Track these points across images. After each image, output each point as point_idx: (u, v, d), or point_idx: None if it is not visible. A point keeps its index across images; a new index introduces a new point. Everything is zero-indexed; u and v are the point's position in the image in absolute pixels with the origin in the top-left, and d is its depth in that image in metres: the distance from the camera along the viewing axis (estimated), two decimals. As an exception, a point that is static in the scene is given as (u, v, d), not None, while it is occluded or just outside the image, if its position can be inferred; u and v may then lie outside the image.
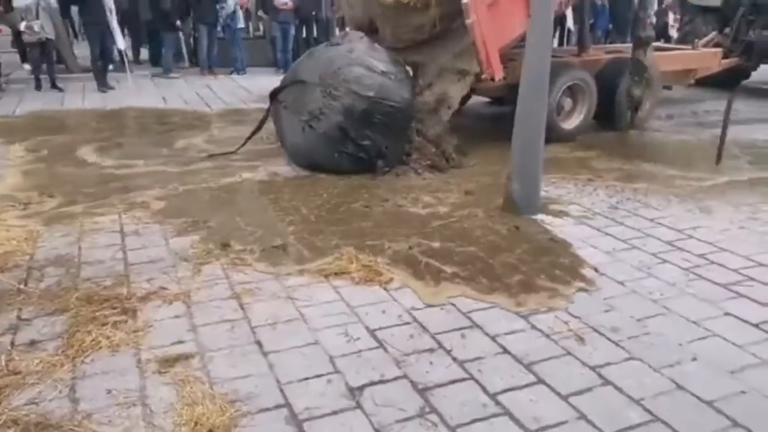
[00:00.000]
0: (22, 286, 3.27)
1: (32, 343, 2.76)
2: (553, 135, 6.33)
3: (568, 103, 6.85)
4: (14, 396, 2.40)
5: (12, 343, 2.75)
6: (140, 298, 3.18)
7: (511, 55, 6.21)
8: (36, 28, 8.91)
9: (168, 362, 2.62)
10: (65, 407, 2.34)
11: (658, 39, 10.33)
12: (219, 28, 11.37)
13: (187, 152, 6.19)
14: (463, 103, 6.59)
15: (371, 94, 5.27)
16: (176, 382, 2.49)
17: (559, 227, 4.29)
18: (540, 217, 4.47)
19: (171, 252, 3.78)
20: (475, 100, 7.90)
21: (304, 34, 12.85)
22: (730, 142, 6.13)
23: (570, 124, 6.88)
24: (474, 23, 5.46)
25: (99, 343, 2.74)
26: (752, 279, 3.54)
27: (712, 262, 3.75)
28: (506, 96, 6.49)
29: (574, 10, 10.60)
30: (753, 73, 10.33)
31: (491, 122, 7.76)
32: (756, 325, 3.03)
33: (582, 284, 3.44)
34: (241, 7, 11.75)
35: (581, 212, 4.60)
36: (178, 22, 11.32)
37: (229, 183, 5.21)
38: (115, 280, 3.38)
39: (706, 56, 8.91)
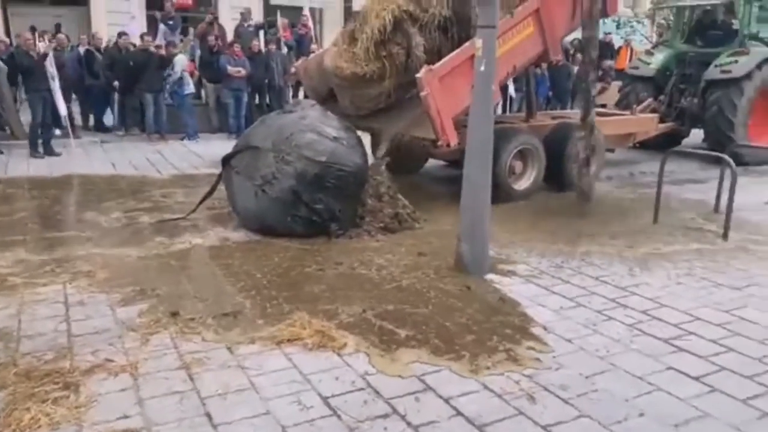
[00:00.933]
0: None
1: (-34, 424, 2.63)
2: (506, 196, 6.81)
3: (518, 165, 7.17)
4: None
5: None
6: (84, 371, 3.07)
7: (463, 122, 6.49)
8: None
9: (112, 439, 2.53)
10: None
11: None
12: (166, 95, 11.49)
13: (135, 218, 6.11)
14: (420, 166, 6.87)
15: (323, 159, 5.38)
16: (121, 460, 2.40)
17: (509, 286, 4.41)
18: (490, 276, 4.58)
19: (117, 322, 3.69)
20: (431, 162, 8.21)
21: (257, 101, 13.15)
22: (665, 201, 6.47)
23: (521, 185, 7.19)
24: (428, 95, 5.84)
25: (38, 421, 2.63)
26: (691, 333, 3.69)
27: (654, 318, 3.90)
28: (460, 159, 6.77)
29: (514, 80, 11.23)
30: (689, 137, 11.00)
31: (446, 184, 7.92)
32: (696, 378, 3.15)
33: (532, 343, 3.51)
34: (191, 74, 11.88)
35: (529, 271, 4.75)
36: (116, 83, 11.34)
37: (179, 249, 5.16)
38: (57, 353, 3.27)
39: (645, 121, 9.60)
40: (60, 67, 10.02)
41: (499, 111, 10.07)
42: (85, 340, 3.44)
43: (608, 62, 15.93)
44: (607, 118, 9.21)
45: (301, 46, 14.33)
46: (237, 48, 12.08)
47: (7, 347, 3.34)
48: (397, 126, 6.58)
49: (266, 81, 12.66)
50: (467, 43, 5.92)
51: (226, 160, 5.86)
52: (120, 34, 11.86)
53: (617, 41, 18.13)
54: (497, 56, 6.34)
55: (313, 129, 5.53)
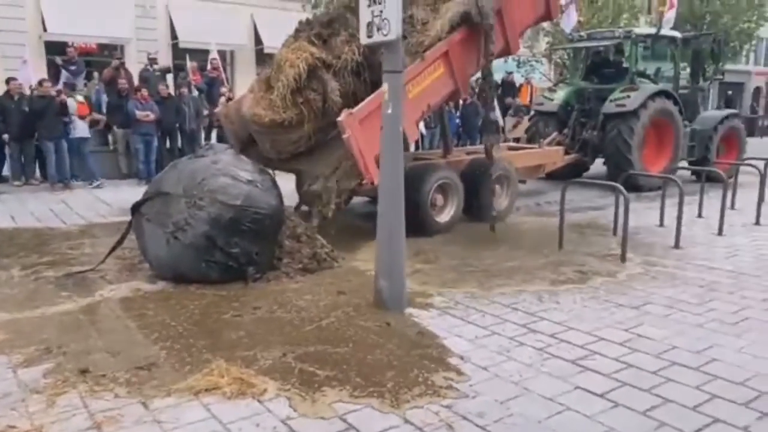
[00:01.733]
0: None
1: None
2: (429, 228, 7.25)
3: (439, 199, 7.58)
4: None
5: None
6: (-17, 441, 2.89)
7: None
8: None
9: None
10: None
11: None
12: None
13: (39, 273, 5.79)
14: (345, 203, 7.05)
15: (238, 202, 5.34)
16: None
17: (427, 319, 4.52)
18: (409, 310, 4.68)
19: (20, 384, 3.47)
20: (355, 199, 8.32)
21: (168, 145, 12.89)
22: (568, 228, 6.90)
23: (443, 218, 7.58)
24: (350, 137, 6.13)
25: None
26: (595, 352, 3.93)
27: (562, 341, 4.12)
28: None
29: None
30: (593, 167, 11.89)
31: (369, 220, 8.05)
32: (601, 396, 3.35)
33: (450, 373, 3.61)
34: (82, 117, 11.41)
35: (445, 303, 4.89)
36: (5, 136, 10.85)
37: (88, 303, 4.93)
38: (-48, 425, 3.05)
39: (551, 153, 10.45)
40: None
41: (412, 148, 10.49)
42: (-16, 407, 3.26)
43: (510, 99, 16.92)
44: (518, 151, 10.02)
45: (212, 89, 14.28)
46: (144, 92, 11.91)
47: None
48: (319, 166, 6.73)
49: (177, 125, 12.51)
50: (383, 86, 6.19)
51: (135, 208, 5.69)
52: (8, 80, 11.38)
53: (518, 79, 19.29)
54: (412, 97, 6.90)
55: (227, 173, 5.49)
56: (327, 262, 5.90)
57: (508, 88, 18.28)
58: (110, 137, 13.26)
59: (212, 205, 5.26)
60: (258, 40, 19.34)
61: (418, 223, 7.11)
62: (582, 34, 13.34)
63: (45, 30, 15.74)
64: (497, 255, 6.39)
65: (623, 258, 6.07)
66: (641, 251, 6.47)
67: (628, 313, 4.68)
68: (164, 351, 3.93)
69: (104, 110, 13.51)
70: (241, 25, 18.94)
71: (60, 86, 11.84)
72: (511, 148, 10.47)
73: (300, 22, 7.60)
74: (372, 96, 6.44)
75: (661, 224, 7.73)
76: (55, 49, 15.90)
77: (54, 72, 15.19)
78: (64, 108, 10.84)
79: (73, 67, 13.60)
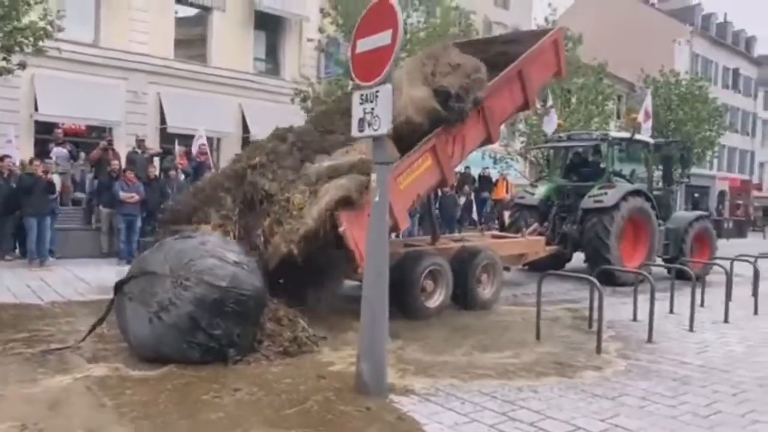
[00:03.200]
0: None
1: None
2: (418, 313, 7.47)
3: (429, 285, 7.78)
4: None
5: None
6: None
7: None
8: None
9: None
10: None
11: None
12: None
13: (13, 350, 5.68)
14: (336, 290, 7.22)
15: (224, 283, 5.39)
16: None
17: (407, 405, 4.53)
18: (390, 396, 4.69)
19: (-7, 462, 3.41)
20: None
21: (151, 226, 12.91)
22: (545, 319, 7.06)
23: (432, 303, 7.78)
24: (345, 230, 6.42)
25: None
26: (573, 441, 4.00)
27: (540, 429, 4.16)
28: None
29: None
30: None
31: (355, 304, 8.11)
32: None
33: (430, 460, 3.64)
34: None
35: (426, 389, 4.91)
36: None
37: (66, 381, 4.85)
38: None
39: (533, 243, 10.74)
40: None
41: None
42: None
43: (486, 194, 17.62)
44: (502, 240, 10.48)
45: (198, 172, 14.58)
46: (130, 174, 12.18)
47: None
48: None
49: (162, 207, 12.69)
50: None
51: (119, 286, 5.72)
52: (2, 157, 11.56)
53: (494, 174, 20.11)
54: (403, 188, 7.33)
55: (214, 254, 5.57)
56: (308, 346, 5.90)
57: (485, 182, 19.00)
58: (93, 217, 13.41)
59: (198, 285, 5.30)
60: (245, 128, 19.98)
61: (407, 308, 7.45)
62: (561, 135, 14.17)
63: (36, 110, 16.12)
64: (478, 344, 6.45)
65: (599, 350, 6.21)
66: (616, 344, 6.54)
67: (604, 403, 4.71)
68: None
69: (87, 190, 13.73)
70: (229, 114, 19.51)
71: (46, 164, 12.04)
72: (495, 237, 10.93)
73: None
74: (404, 159, 7.02)
75: (635, 318, 7.90)
76: (44, 128, 16.24)
77: (39, 151, 15.47)
78: (51, 186, 11.00)
79: (65, 148, 13.90)
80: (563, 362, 5.86)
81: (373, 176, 4.86)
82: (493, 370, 5.54)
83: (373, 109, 4.73)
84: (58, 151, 13.72)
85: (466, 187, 17.69)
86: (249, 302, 5.53)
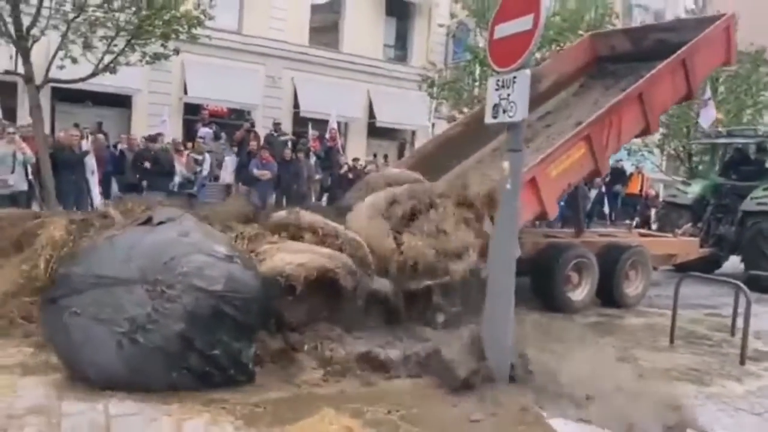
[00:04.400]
0: None
1: None
2: (562, 305, 7.24)
3: (575, 277, 7.46)
4: None
5: None
6: None
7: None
8: (11, 181, 8.87)
9: None
10: None
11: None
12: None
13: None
14: None
15: (219, 287, 4.00)
16: None
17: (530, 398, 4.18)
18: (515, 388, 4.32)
19: None
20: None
21: (284, 204, 13.47)
22: (683, 324, 6.55)
23: (576, 296, 7.47)
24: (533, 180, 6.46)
25: None
26: None
27: None
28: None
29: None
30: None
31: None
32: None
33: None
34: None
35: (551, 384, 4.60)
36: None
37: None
38: None
39: (686, 244, 9.80)
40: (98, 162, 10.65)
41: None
42: None
43: (618, 186, 16.67)
44: (653, 239, 9.69)
45: (328, 156, 14.93)
46: (265, 153, 12.60)
47: None
48: None
49: (294, 187, 12.98)
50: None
51: (51, 299, 4.10)
52: (155, 136, 12.22)
53: (628, 168, 18.94)
54: (555, 176, 7.10)
55: (201, 249, 4.12)
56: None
57: (617, 175, 17.95)
58: (234, 193, 14.30)
59: (187, 293, 3.91)
60: (371, 114, 20.01)
61: (549, 299, 7.26)
62: (720, 130, 12.71)
63: (185, 93, 17.49)
64: (610, 343, 5.99)
65: (743, 361, 5.68)
66: (762, 356, 5.96)
67: (747, 419, 4.30)
68: None
69: (228, 169, 14.71)
70: (357, 99, 19.13)
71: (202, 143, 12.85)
72: (643, 235, 10.13)
73: None
74: (558, 147, 6.94)
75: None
76: (191, 110, 17.54)
77: (187, 130, 16.86)
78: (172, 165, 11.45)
79: (211, 128, 14.85)
80: (701, 370, 5.28)
81: (505, 164, 4.79)
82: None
83: (509, 95, 4.59)
84: (204, 131, 14.15)
85: (598, 180, 16.74)
86: (250, 308, 4.12)
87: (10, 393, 3.74)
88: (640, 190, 16.30)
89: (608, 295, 7.73)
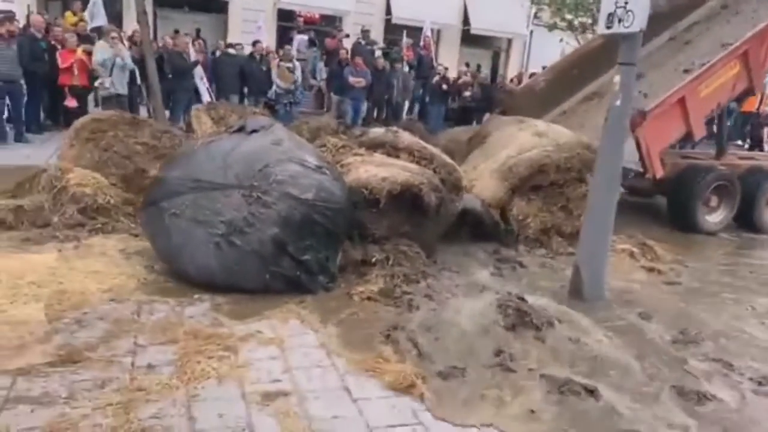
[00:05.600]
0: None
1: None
2: (698, 227, 7.22)
3: (714, 200, 7.38)
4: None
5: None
6: None
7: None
8: (107, 84, 9.11)
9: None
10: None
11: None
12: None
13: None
14: None
15: (309, 196, 4.13)
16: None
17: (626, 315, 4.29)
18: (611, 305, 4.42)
19: None
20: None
21: (375, 115, 13.02)
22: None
23: (713, 219, 7.39)
24: (639, 135, 6.35)
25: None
26: None
27: None
28: (651, 189, 7.79)
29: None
30: None
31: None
32: None
33: None
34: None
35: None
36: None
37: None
38: None
39: None
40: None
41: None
42: None
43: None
44: None
45: (421, 65, 14.27)
46: (359, 60, 12.26)
47: None
48: None
49: (386, 97, 12.81)
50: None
51: (151, 201, 4.30)
52: (254, 43, 12.31)
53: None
54: (703, 96, 6.91)
55: (293, 158, 4.23)
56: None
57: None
58: (325, 102, 14.50)
59: (281, 200, 4.06)
60: (465, 21, 18.90)
61: (685, 221, 7.24)
62: None
63: (279, -1, 17.34)
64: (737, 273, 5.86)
65: None
66: None
67: None
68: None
69: (318, 77, 14.75)
70: (452, 5, 18.22)
71: (294, 51, 12.64)
72: None
73: None
74: (663, 97, 6.59)
75: None
76: (284, 16, 17.37)
77: (280, 37, 16.67)
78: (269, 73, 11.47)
79: (307, 36, 14.59)
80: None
81: (616, 78, 4.58)
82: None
83: (626, 3, 4.34)
84: (299, 39, 14.10)
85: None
86: (338, 218, 4.24)
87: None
88: (758, 108, 14.86)
89: (747, 219, 7.62)
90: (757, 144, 14.32)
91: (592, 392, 3.11)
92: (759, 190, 7.54)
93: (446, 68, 14.29)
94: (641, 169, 6.70)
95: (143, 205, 4.43)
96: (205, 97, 10.56)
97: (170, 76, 10.26)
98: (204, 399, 2.79)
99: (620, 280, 5.00)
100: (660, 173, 6.75)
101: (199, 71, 10.35)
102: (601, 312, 4.31)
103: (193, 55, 10.62)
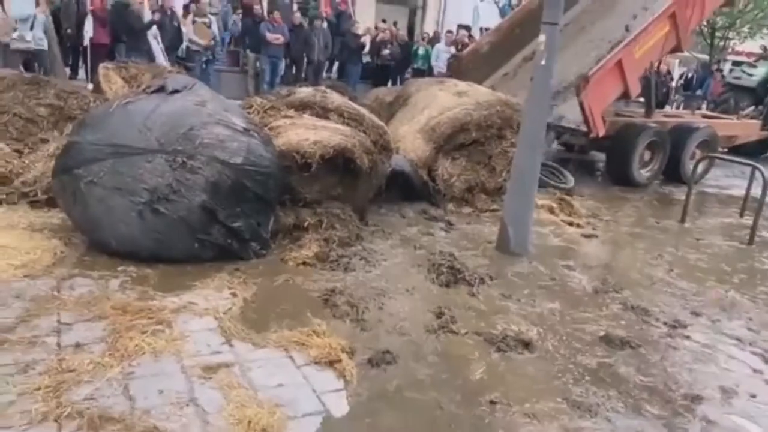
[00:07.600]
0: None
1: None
2: (633, 181, 7.88)
3: (647, 155, 8.00)
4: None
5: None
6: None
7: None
8: (27, 37, 8.86)
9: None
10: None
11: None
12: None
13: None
14: None
15: (239, 160, 3.93)
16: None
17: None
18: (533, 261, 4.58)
19: None
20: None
21: (293, 72, 12.53)
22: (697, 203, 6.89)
23: (646, 172, 8.05)
24: (583, 99, 6.92)
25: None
26: None
27: None
28: (588, 146, 8.47)
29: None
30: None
31: None
32: None
33: None
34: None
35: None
36: None
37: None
38: None
39: (748, 126, 10.11)
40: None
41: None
42: None
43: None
44: (716, 120, 9.81)
45: (340, 22, 13.84)
46: (277, 15, 11.75)
47: None
48: None
49: (304, 54, 12.31)
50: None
51: (63, 168, 3.94)
52: None
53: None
54: (638, 57, 7.49)
55: (219, 120, 3.99)
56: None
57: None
58: (240, 60, 13.84)
59: (209, 165, 3.85)
60: None
61: (621, 175, 7.90)
62: None
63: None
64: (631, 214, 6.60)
65: (751, 241, 5.84)
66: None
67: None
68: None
69: (233, 33, 14.06)
70: None
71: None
72: (705, 116, 10.25)
73: None
74: (602, 62, 7.20)
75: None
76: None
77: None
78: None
79: None
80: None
81: (542, 37, 4.65)
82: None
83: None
84: None
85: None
86: (268, 183, 4.09)
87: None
88: (657, 68, 15.62)
89: (673, 172, 8.30)
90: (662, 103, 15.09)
91: (527, 345, 3.23)
92: (684, 146, 8.19)
93: (368, 27, 13.95)
94: (584, 128, 7.18)
95: (54, 173, 4.05)
96: (160, 59, 9.82)
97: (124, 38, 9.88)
98: (141, 376, 2.66)
99: (542, 235, 5.25)
100: (602, 131, 7.26)
101: (153, 31, 9.64)
102: (528, 266, 4.53)
103: (147, 15, 9.84)
